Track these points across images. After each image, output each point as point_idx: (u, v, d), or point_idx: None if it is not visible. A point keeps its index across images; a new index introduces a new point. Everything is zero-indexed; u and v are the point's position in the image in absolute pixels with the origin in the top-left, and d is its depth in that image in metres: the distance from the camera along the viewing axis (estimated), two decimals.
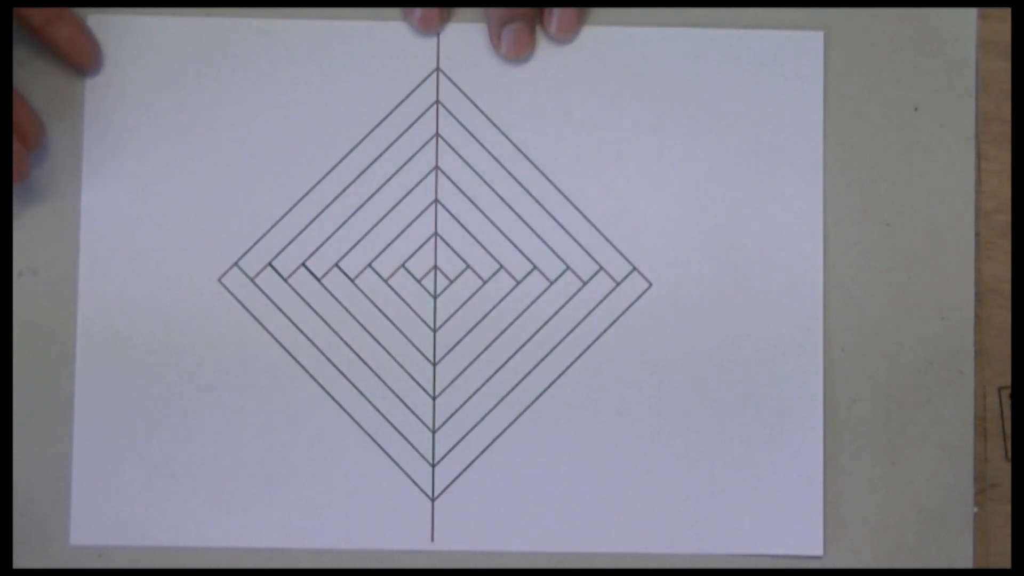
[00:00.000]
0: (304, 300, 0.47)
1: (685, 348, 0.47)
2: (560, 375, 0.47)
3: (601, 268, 0.47)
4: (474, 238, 0.47)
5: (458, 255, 0.47)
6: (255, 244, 0.47)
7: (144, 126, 0.47)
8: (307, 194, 0.47)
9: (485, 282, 0.47)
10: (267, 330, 0.47)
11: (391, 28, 0.47)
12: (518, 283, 0.47)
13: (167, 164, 0.47)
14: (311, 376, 0.47)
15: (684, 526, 0.46)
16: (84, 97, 0.47)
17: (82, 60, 0.46)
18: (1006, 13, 0.47)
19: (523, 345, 0.47)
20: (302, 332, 0.47)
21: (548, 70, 0.47)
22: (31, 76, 0.46)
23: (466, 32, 0.47)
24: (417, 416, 0.47)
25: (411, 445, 0.47)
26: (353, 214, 0.47)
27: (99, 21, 0.47)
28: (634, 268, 0.47)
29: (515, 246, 0.47)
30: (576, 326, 0.47)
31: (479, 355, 0.47)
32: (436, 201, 0.47)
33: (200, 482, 0.46)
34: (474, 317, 0.47)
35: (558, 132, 0.47)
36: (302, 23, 0.47)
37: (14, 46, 0.44)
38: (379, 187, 0.47)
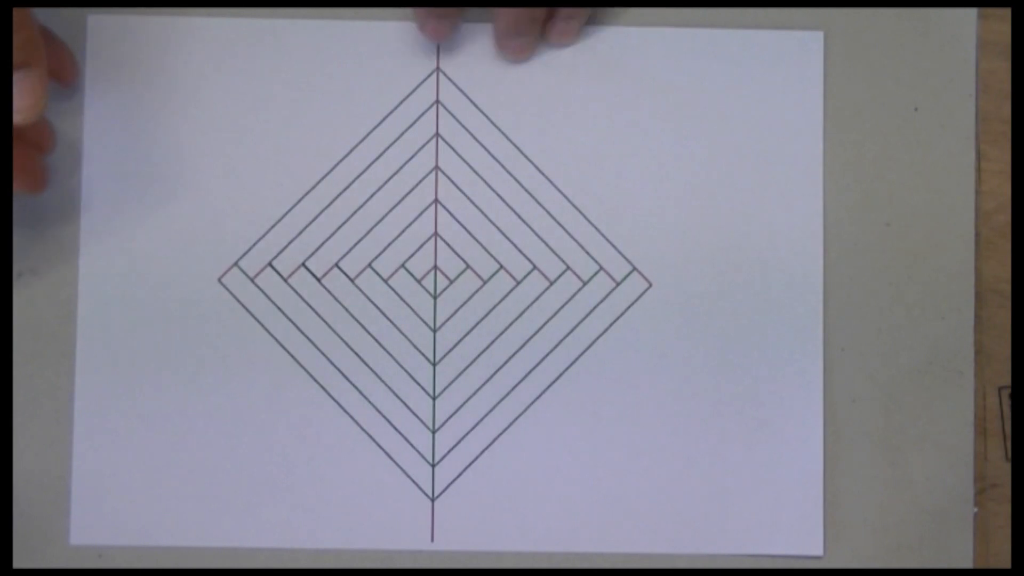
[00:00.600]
0: (304, 300, 0.47)
1: (685, 348, 0.47)
2: (560, 375, 0.47)
3: (601, 268, 0.47)
4: (474, 238, 0.47)
5: (458, 255, 0.47)
6: (255, 244, 0.47)
7: (144, 126, 0.47)
8: (307, 194, 0.47)
9: (485, 282, 0.47)
10: (267, 330, 0.47)
11: (391, 28, 0.47)
12: (518, 283, 0.47)
13: (167, 164, 0.47)
14: (311, 376, 0.47)
15: (684, 526, 0.46)
16: (84, 97, 0.47)
17: (66, 79, 0.46)
18: (1006, 13, 0.47)
19: (523, 345, 0.47)
20: (302, 332, 0.47)
21: (548, 70, 0.47)
22: None
23: (466, 32, 0.47)
24: (417, 416, 0.47)
25: (411, 445, 0.47)
26: (353, 214, 0.47)
27: (99, 21, 0.47)
28: (634, 268, 0.47)
29: (515, 246, 0.47)
30: (576, 326, 0.47)
31: (479, 355, 0.47)
32: (436, 201, 0.47)
33: (200, 482, 0.46)
34: (474, 317, 0.47)
35: (558, 132, 0.47)
36: (302, 23, 0.47)
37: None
38: (379, 187, 0.47)
